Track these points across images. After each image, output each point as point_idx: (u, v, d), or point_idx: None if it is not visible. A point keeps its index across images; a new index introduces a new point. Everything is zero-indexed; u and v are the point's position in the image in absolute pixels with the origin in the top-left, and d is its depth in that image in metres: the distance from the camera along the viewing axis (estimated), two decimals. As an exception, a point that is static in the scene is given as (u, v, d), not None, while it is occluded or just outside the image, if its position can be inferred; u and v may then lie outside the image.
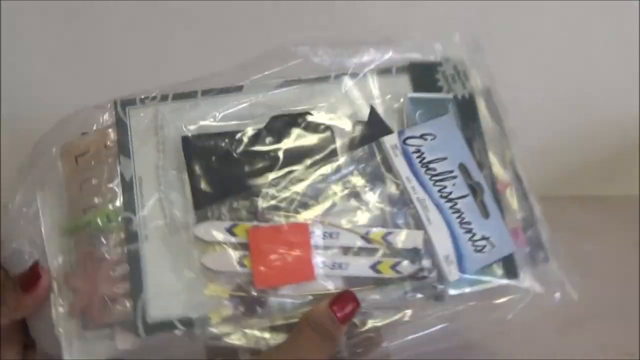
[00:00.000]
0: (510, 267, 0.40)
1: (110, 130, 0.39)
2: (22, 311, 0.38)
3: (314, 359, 0.35)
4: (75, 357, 0.36)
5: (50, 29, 0.60)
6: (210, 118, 0.39)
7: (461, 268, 0.38)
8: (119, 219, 0.37)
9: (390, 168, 0.40)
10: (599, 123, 0.69)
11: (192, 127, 0.39)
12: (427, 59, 0.43)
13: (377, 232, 0.38)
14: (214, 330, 0.35)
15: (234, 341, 0.36)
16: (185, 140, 0.38)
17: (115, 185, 0.38)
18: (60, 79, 0.63)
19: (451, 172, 0.40)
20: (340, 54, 0.42)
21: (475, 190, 0.40)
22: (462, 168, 0.40)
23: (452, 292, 0.38)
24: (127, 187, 0.38)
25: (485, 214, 0.40)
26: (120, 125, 0.39)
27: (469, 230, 0.39)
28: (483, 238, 0.39)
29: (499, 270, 0.39)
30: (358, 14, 0.60)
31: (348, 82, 0.41)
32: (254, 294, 0.36)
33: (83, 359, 0.36)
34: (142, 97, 0.40)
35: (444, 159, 0.40)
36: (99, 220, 0.37)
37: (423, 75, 0.42)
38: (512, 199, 0.42)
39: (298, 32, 0.60)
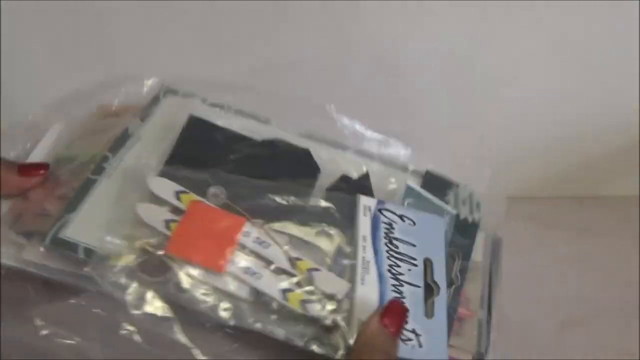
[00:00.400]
0: None
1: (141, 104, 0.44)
2: (7, 190, 0.38)
3: None
4: None
5: (50, 28, 0.60)
6: (224, 122, 0.43)
7: None
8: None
9: (352, 223, 0.38)
10: (599, 123, 0.69)
11: (202, 115, 0.43)
12: (447, 177, 0.44)
13: (305, 261, 0.36)
14: (106, 271, 0.35)
15: (115, 289, 0.35)
16: (191, 117, 0.42)
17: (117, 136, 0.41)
18: (61, 78, 0.63)
19: (414, 259, 0.38)
20: (369, 138, 0.44)
21: (430, 289, 0.38)
22: (427, 263, 0.38)
23: None
24: (124, 137, 0.41)
25: (429, 313, 0.37)
26: (154, 102, 0.43)
27: None
28: (412, 331, 0.35)
29: None
30: (358, 15, 0.60)
31: (358, 157, 0.43)
32: (159, 255, 0.35)
33: None
34: (185, 92, 0.44)
35: (412, 245, 0.38)
36: (85, 156, 0.40)
37: (435, 185, 0.43)
38: (471, 329, 0.40)
39: (299, 32, 0.61)
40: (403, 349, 0.35)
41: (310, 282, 0.36)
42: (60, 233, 0.36)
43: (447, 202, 0.42)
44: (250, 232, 0.36)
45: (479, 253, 0.42)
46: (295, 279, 0.36)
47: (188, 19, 0.60)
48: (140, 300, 0.34)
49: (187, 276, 0.35)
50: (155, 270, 0.35)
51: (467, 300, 0.41)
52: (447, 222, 0.41)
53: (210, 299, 0.35)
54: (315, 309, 0.35)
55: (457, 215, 0.42)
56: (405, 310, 0.35)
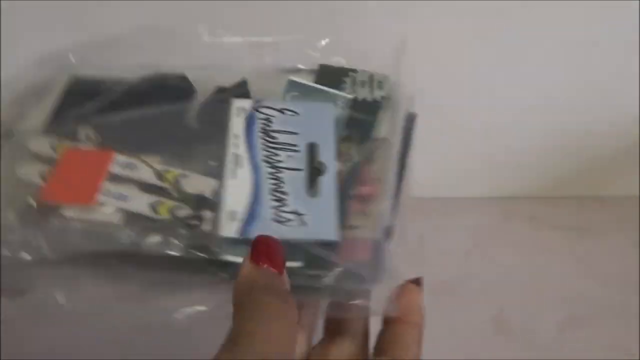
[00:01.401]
0: (320, 256, 0.33)
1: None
2: None
3: (287, 335, 0.28)
4: None
5: (50, 28, 0.60)
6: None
7: (245, 229, 0.33)
8: None
9: (224, 127, 0.38)
10: (599, 123, 0.69)
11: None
12: (342, 65, 0.42)
13: (172, 171, 0.36)
14: None
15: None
16: (71, 77, 0.41)
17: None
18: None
19: (294, 146, 0.37)
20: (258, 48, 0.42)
21: (317, 170, 0.37)
22: (311, 147, 0.37)
23: (230, 257, 0.33)
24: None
25: (314, 193, 0.36)
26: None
27: (280, 200, 0.35)
28: (293, 212, 0.34)
29: (300, 256, 0.33)
30: (358, 13, 0.60)
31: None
32: (34, 206, 0.35)
33: None
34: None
35: (294, 133, 0.38)
36: None
37: (330, 75, 0.42)
38: (378, 208, 0.37)
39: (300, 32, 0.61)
40: (278, 229, 0.33)
41: (178, 189, 0.35)
42: None
43: (343, 89, 0.41)
44: (119, 159, 0.36)
45: (383, 130, 0.40)
46: (164, 193, 0.35)
47: (189, 18, 0.60)
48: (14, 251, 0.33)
49: (63, 218, 0.34)
50: (30, 219, 0.34)
51: (374, 179, 0.38)
52: (341, 106, 0.40)
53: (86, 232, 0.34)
54: (183, 212, 0.35)
55: (355, 98, 0.41)
56: (275, 241, 0.30)
